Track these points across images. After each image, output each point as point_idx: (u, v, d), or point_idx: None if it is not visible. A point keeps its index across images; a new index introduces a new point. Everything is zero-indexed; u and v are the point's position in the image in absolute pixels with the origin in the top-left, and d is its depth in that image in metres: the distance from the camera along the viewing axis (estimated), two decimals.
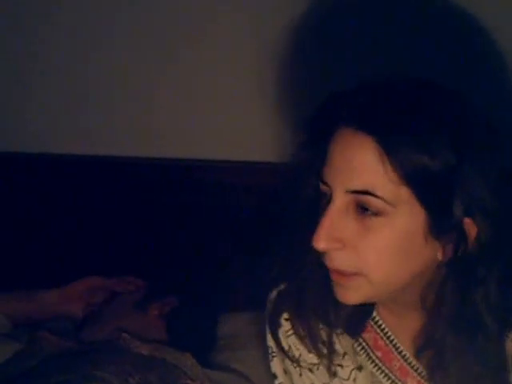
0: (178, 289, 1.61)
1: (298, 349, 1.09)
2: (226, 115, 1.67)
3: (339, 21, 1.55)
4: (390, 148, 0.85)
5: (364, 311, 1.04)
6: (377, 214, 0.87)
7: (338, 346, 1.07)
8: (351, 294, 0.93)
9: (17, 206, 1.75)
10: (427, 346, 0.99)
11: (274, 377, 1.14)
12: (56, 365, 1.36)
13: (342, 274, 0.92)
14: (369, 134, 0.86)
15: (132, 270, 1.66)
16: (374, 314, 1.07)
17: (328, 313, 1.03)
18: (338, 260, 0.91)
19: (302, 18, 1.55)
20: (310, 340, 1.06)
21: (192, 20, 1.60)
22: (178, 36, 1.61)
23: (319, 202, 0.92)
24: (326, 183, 0.90)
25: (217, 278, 1.68)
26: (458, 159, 0.86)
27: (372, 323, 1.08)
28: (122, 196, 1.72)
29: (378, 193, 0.87)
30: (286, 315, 1.09)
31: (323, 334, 1.06)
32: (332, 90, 0.94)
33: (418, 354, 1.02)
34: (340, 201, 0.88)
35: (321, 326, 1.06)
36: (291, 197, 0.99)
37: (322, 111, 0.93)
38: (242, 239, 1.68)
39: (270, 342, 1.13)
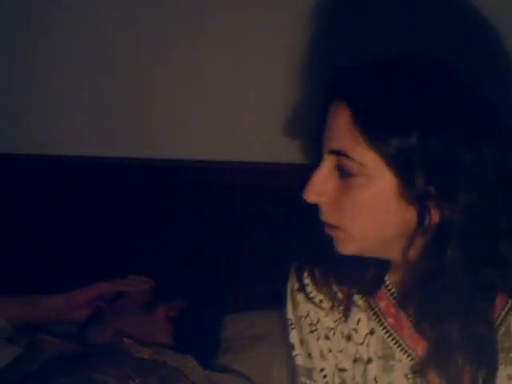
0: (182, 291, 1.60)
1: (315, 312, 1.18)
2: (226, 116, 1.67)
3: (344, 21, 1.55)
4: (359, 117, 0.96)
5: (378, 274, 1.13)
6: (351, 174, 0.99)
7: (354, 307, 1.16)
8: (343, 245, 1.05)
9: (16, 207, 1.75)
10: (405, 297, 1.10)
11: (292, 348, 1.22)
12: (56, 368, 1.35)
13: (330, 226, 1.04)
14: (346, 103, 0.98)
15: (134, 273, 1.65)
16: (387, 281, 1.14)
17: (345, 274, 1.13)
18: (326, 213, 1.03)
19: (306, 17, 1.55)
20: (330, 298, 1.16)
21: (192, 19, 1.59)
22: (178, 36, 1.61)
23: None
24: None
25: (221, 280, 1.68)
26: (421, 135, 0.94)
27: (385, 291, 1.15)
28: (124, 198, 1.72)
29: (349, 154, 0.98)
30: (306, 280, 1.18)
31: (341, 295, 1.16)
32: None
33: (399, 304, 1.12)
34: (326, 160, 1.01)
35: (339, 287, 1.16)
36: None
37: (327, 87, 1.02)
38: (247, 240, 1.69)
39: (290, 315, 1.22)
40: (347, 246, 1.05)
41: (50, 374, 1.33)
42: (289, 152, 1.65)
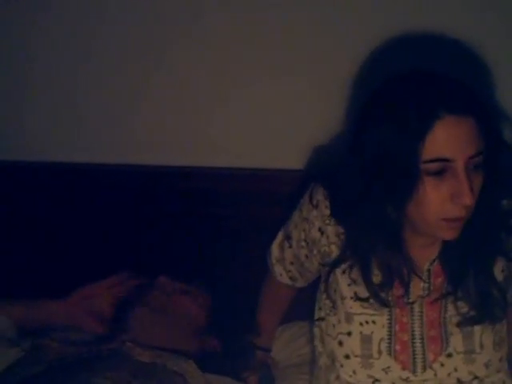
0: None
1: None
2: (221, 123, 1.68)
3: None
4: (481, 123, 1.18)
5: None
6: (479, 166, 1.19)
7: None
8: (457, 232, 1.23)
9: (10, 214, 1.76)
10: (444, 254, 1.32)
11: None
12: (56, 372, 1.37)
13: (461, 219, 1.21)
14: (471, 116, 1.17)
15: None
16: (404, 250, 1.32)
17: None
18: (470, 208, 1.21)
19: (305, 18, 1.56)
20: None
21: (191, 23, 1.59)
22: (173, 39, 1.61)
23: (414, 177, 1.18)
24: (444, 159, 1.17)
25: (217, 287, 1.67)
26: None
27: None
28: (118, 204, 1.73)
29: (483, 150, 1.19)
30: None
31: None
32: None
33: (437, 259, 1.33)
34: (464, 166, 1.17)
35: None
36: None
37: (415, 105, 1.18)
38: (239, 246, 1.72)
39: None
40: (459, 231, 1.23)
41: (50, 378, 1.35)
42: (279, 158, 1.68)
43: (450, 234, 1.24)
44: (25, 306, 1.55)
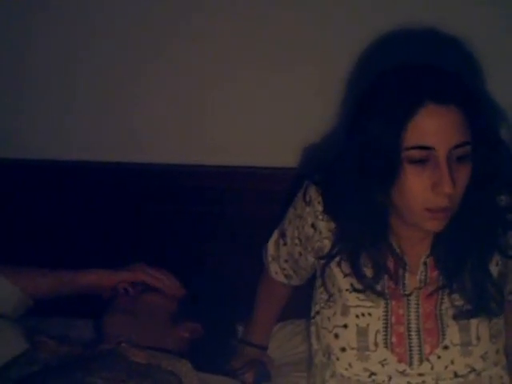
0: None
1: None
2: (219, 122, 1.69)
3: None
4: (468, 114, 1.19)
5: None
6: (466, 157, 1.19)
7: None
8: (441, 224, 1.23)
9: (15, 212, 1.77)
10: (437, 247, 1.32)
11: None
12: (52, 372, 1.37)
13: (444, 209, 1.21)
14: (456, 106, 1.17)
15: None
16: (393, 244, 1.33)
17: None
18: (453, 199, 1.21)
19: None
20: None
21: (193, 21, 1.60)
22: (173, 35, 1.62)
23: (396, 165, 1.19)
24: (426, 148, 1.18)
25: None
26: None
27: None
28: (114, 202, 1.74)
29: (469, 141, 1.19)
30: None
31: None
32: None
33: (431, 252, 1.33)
34: (446, 155, 1.18)
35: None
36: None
37: (400, 93, 1.19)
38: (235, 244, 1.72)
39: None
40: (446, 222, 1.23)
41: (46, 377, 1.35)
42: (279, 156, 1.68)
43: (433, 224, 1.24)
44: (51, 277, 1.55)
